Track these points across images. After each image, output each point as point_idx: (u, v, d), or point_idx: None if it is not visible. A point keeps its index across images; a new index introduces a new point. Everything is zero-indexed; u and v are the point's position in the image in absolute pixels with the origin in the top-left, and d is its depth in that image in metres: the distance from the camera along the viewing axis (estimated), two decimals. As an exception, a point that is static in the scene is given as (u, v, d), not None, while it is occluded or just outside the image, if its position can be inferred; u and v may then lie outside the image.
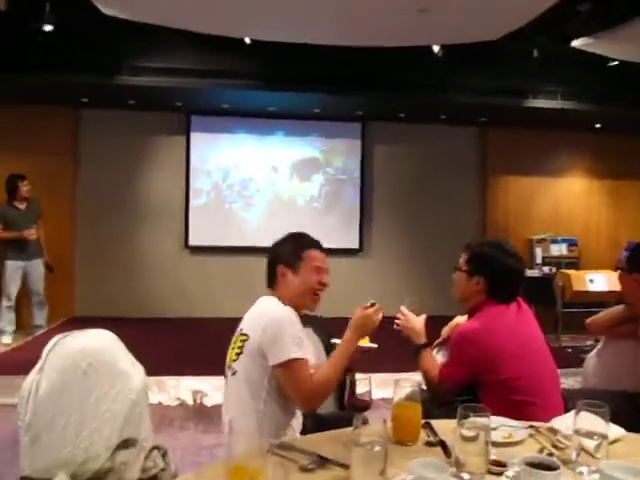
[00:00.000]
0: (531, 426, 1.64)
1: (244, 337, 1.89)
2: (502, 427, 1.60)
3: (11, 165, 5.95)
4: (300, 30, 4.64)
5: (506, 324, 2.06)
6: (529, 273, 6.63)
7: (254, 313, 1.96)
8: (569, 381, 3.96)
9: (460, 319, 2.50)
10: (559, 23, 4.52)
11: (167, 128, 6.78)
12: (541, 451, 1.49)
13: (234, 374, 1.90)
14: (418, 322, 2.27)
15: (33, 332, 5.77)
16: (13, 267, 5.64)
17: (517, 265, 2.14)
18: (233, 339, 1.99)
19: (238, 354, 1.89)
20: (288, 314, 1.90)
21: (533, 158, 7.15)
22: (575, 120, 6.49)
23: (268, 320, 1.85)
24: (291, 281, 2.02)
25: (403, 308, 2.33)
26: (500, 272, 2.12)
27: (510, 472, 1.33)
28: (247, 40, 4.98)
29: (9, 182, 5.68)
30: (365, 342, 2.08)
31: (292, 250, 2.07)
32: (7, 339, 5.65)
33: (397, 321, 2.33)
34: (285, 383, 1.82)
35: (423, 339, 2.25)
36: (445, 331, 2.49)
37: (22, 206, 5.72)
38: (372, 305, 2.01)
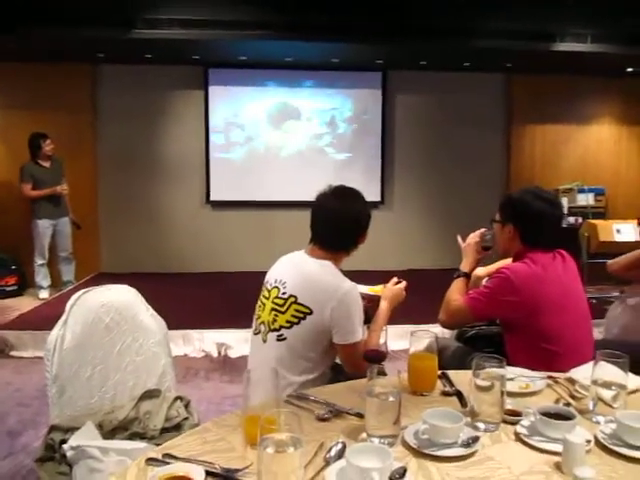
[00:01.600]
0: (549, 376, 1.64)
1: (303, 309, 1.85)
2: (519, 377, 1.60)
3: (32, 124, 5.97)
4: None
5: (552, 272, 2.00)
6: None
7: (309, 280, 1.88)
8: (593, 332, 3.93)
9: (480, 270, 2.48)
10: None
11: (185, 82, 6.69)
12: (558, 401, 1.49)
13: (281, 339, 1.88)
14: (475, 252, 2.27)
15: (62, 288, 5.93)
16: (44, 226, 5.75)
17: (549, 209, 2.04)
18: (271, 295, 1.94)
19: (291, 322, 1.86)
20: (356, 292, 1.88)
21: (560, 105, 6.90)
22: (605, 64, 6.20)
23: (339, 301, 1.82)
24: (357, 248, 2.01)
25: (477, 234, 2.32)
26: (529, 216, 2.04)
27: (525, 421, 1.34)
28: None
29: (32, 141, 5.72)
30: (376, 290, 2.11)
31: (369, 212, 2.00)
32: (44, 294, 5.83)
33: (471, 236, 2.33)
34: (344, 357, 1.91)
35: (467, 268, 2.25)
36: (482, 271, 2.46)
37: (47, 164, 5.77)
38: (399, 281, 2.10)
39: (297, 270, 1.94)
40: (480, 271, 2.45)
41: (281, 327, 1.89)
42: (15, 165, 5.82)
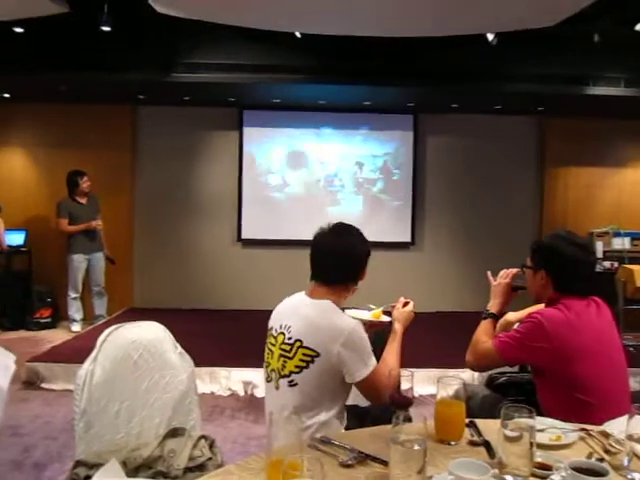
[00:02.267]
0: (582, 429, 1.58)
1: (309, 352, 1.85)
2: (550, 429, 1.55)
3: (73, 161, 6.22)
4: (349, 23, 4.60)
5: (586, 320, 1.95)
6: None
7: (311, 323, 1.88)
8: (629, 382, 3.79)
9: (511, 315, 2.43)
10: (621, 5, 4.29)
11: (221, 123, 6.89)
12: (590, 455, 1.44)
13: (293, 385, 1.88)
14: (505, 293, 2.22)
15: (94, 321, 6.04)
16: (78, 260, 5.91)
17: (582, 255, 2.01)
18: (278, 341, 1.95)
19: (300, 367, 1.87)
20: (359, 328, 1.88)
21: (594, 148, 6.85)
22: (639, 107, 6.16)
23: (345, 341, 1.82)
24: (356, 285, 2.03)
25: (509, 273, 2.26)
26: (561, 263, 2.01)
27: (556, 476, 1.29)
28: (297, 34, 4.98)
29: (70, 178, 5.94)
30: (379, 316, 2.10)
31: (368, 249, 2.02)
32: (76, 327, 5.96)
33: (501, 274, 2.28)
34: (364, 391, 1.89)
35: (495, 308, 2.20)
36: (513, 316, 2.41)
37: (83, 201, 5.97)
38: (407, 302, 2.13)
39: (299, 313, 1.94)
40: (511, 316, 2.40)
41: (291, 372, 1.89)
42: (56, 201, 6.03)
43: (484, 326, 2.15)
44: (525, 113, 6.81)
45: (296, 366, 1.88)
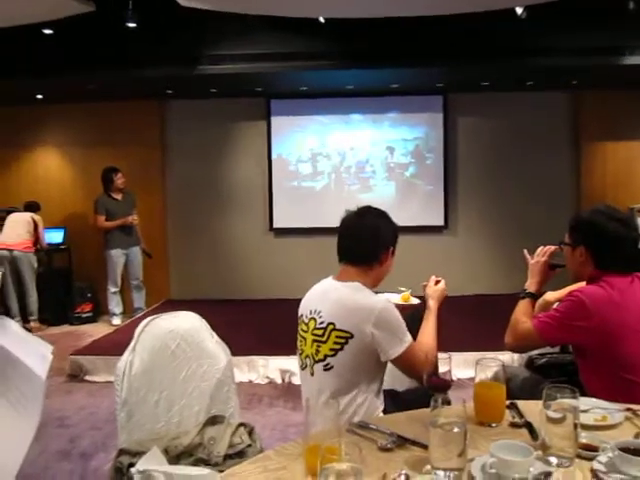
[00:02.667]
0: (628, 409, 1.53)
1: (343, 334, 1.85)
2: (595, 409, 1.51)
3: (106, 159, 6.33)
4: (374, 4, 4.54)
5: (630, 297, 1.87)
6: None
7: (342, 305, 1.89)
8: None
9: (550, 295, 2.38)
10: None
11: (248, 113, 6.90)
12: (638, 436, 1.39)
13: (328, 369, 1.89)
14: (543, 272, 2.16)
15: (133, 314, 6.17)
16: (116, 255, 6.04)
17: (623, 230, 1.93)
18: (310, 327, 1.95)
19: (335, 350, 1.87)
20: (390, 305, 1.89)
21: (632, 121, 6.60)
22: (680, 76, 5.91)
23: (377, 320, 1.82)
24: (389, 264, 2.02)
25: (546, 251, 2.20)
26: (602, 239, 1.94)
27: (602, 457, 1.25)
28: (321, 19, 4.94)
29: (105, 175, 6.06)
30: (408, 299, 2.09)
31: (394, 230, 2.02)
32: (117, 320, 6.10)
33: (538, 252, 2.23)
34: (405, 368, 1.88)
35: (534, 287, 2.14)
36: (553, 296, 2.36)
37: (118, 197, 6.08)
38: (438, 280, 2.13)
39: (328, 297, 1.94)
40: (550, 295, 2.34)
41: (326, 356, 1.89)
42: (92, 198, 6.15)
43: (522, 306, 2.09)
44: (558, 88, 6.61)
45: (330, 349, 1.88)
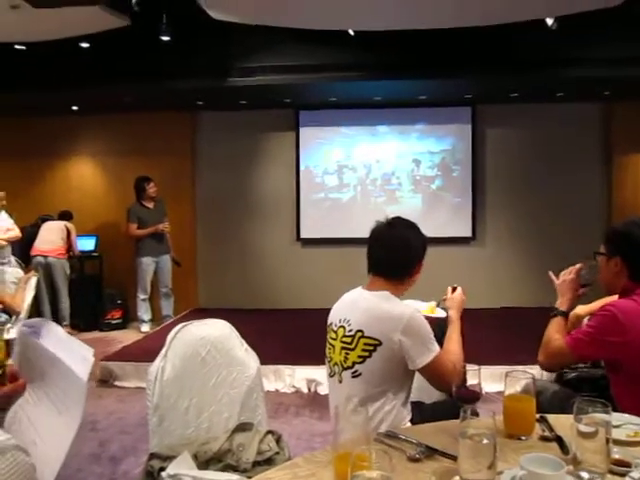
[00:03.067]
0: (662, 425, 1.51)
1: (371, 341, 1.87)
2: (627, 425, 1.49)
3: (138, 168, 6.47)
4: (403, 16, 4.57)
5: None
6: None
7: (371, 313, 1.91)
8: None
9: (581, 309, 2.35)
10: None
11: (277, 124, 6.98)
12: (672, 452, 1.37)
13: (356, 376, 1.90)
14: (572, 289, 2.13)
15: (162, 322, 6.25)
16: (146, 263, 6.15)
17: None
18: (339, 335, 1.97)
19: (363, 357, 1.88)
20: (418, 314, 1.90)
21: (666, 132, 6.50)
22: None
23: (405, 327, 1.84)
24: (418, 275, 2.03)
25: (573, 270, 2.17)
26: (636, 248, 1.92)
27: (635, 473, 1.24)
28: (351, 32, 4.99)
29: (137, 184, 6.18)
30: (434, 310, 2.08)
31: (423, 241, 2.03)
32: (145, 327, 6.20)
33: (564, 272, 2.19)
34: (430, 377, 1.88)
35: (565, 306, 2.11)
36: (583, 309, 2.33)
37: (150, 205, 6.20)
38: (455, 288, 2.15)
39: (358, 306, 1.96)
40: (581, 309, 2.31)
41: (354, 363, 1.90)
42: (124, 206, 6.29)
43: (554, 324, 2.07)
44: (589, 99, 6.53)
45: (359, 356, 1.89)
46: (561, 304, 2.13)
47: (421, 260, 2.02)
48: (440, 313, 2.17)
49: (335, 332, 2.00)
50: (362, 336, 1.89)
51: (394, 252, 1.98)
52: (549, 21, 4.72)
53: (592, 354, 1.97)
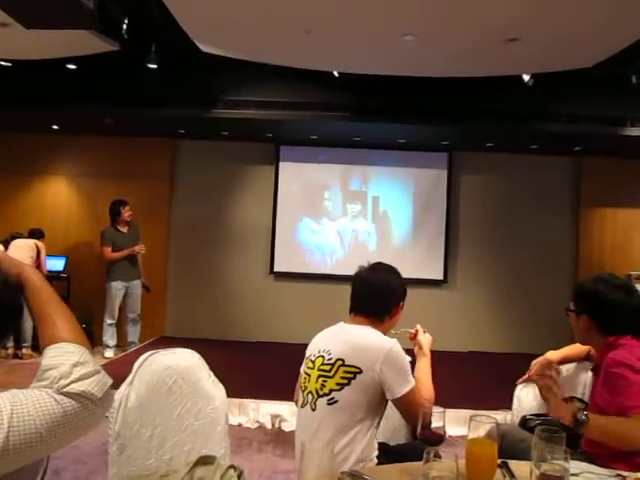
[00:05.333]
0: (618, 474, 1.54)
1: (352, 369, 1.91)
2: (585, 473, 1.52)
3: (114, 191, 6.43)
4: (387, 63, 4.73)
5: None
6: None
7: (354, 343, 1.96)
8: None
9: (552, 354, 2.39)
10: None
11: (257, 157, 7.05)
12: (627, 503, 1.39)
13: (332, 403, 1.92)
14: (557, 392, 1.93)
15: (127, 348, 6.13)
16: (117, 287, 6.06)
17: (625, 298, 1.96)
18: (316, 364, 2.00)
19: (341, 384, 1.92)
20: (398, 346, 1.96)
21: (632, 189, 6.76)
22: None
23: (386, 357, 1.90)
24: (398, 317, 2.14)
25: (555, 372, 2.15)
26: (603, 307, 1.98)
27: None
28: (335, 73, 5.12)
29: (112, 207, 6.14)
30: None
31: (403, 285, 2.16)
32: (109, 353, 6.05)
33: (548, 375, 2.05)
34: (407, 408, 1.92)
35: (567, 412, 1.81)
36: (535, 366, 2.37)
37: (124, 230, 6.15)
38: (424, 330, 2.24)
39: (340, 337, 2.03)
40: (552, 355, 2.35)
41: (331, 390, 1.93)
42: (97, 229, 6.22)
43: (602, 423, 1.78)
44: (561, 153, 6.78)
45: (337, 384, 1.92)
46: (563, 413, 1.82)
47: (401, 302, 2.14)
48: None
49: (313, 362, 2.03)
50: (342, 364, 1.93)
51: (377, 294, 2.10)
52: (525, 77, 4.94)
53: None
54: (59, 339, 1.04)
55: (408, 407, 1.91)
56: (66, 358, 1.00)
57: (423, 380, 2.02)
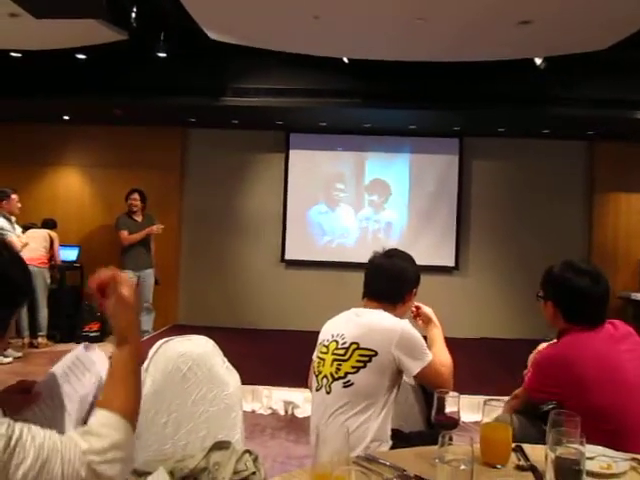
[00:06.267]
0: (634, 458, 1.54)
1: (367, 352, 1.93)
2: (600, 457, 1.52)
3: (126, 181, 6.47)
4: (397, 48, 4.68)
5: (590, 350, 1.89)
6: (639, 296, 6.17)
7: (368, 326, 1.99)
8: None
9: (543, 346, 2.38)
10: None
11: (267, 145, 7.04)
12: (643, 485, 1.39)
13: (348, 385, 1.94)
14: None
15: (141, 336, 6.18)
16: (128, 276, 6.08)
17: (590, 285, 1.95)
18: (330, 349, 2.01)
19: (357, 367, 1.93)
20: (410, 326, 2.00)
21: (646, 173, 6.68)
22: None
23: (400, 337, 1.94)
24: (411, 303, 2.18)
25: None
26: (567, 294, 1.97)
27: (607, 504, 1.26)
28: (345, 59, 5.09)
29: (126, 196, 6.20)
30: None
31: (417, 272, 2.18)
32: None
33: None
34: (429, 380, 1.98)
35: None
36: (531, 360, 2.38)
37: (139, 218, 6.20)
38: (417, 307, 2.26)
39: (353, 322, 2.04)
40: (543, 346, 2.33)
41: (347, 373, 1.94)
42: (109, 218, 6.27)
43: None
44: (574, 137, 6.71)
45: (352, 367, 1.94)
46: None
47: (414, 289, 2.16)
48: None
49: (327, 347, 2.03)
50: (357, 348, 1.95)
51: (391, 280, 2.11)
52: (538, 61, 4.88)
53: (541, 399, 1.99)
54: (114, 407, 1.09)
55: (431, 379, 1.96)
56: (110, 433, 1.06)
57: (439, 349, 2.07)
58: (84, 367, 1.33)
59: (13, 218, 5.57)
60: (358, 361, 1.93)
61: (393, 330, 1.94)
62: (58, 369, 1.31)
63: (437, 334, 2.16)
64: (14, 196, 5.54)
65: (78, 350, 1.35)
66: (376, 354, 1.92)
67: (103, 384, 1.20)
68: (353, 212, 7.05)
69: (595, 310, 1.97)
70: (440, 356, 2.04)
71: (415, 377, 1.97)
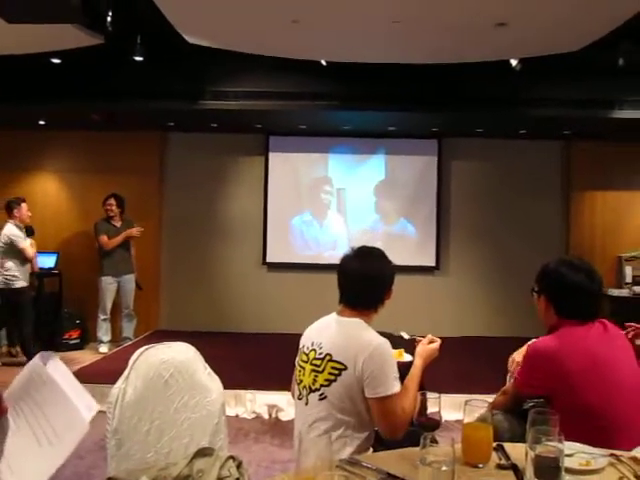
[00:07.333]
0: (612, 454, 1.57)
1: (338, 365, 1.89)
2: (579, 454, 1.54)
3: (104, 186, 6.40)
4: (374, 50, 4.70)
5: (581, 345, 1.93)
6: (617, 293, 6.28)
7: (341, 338, 1.94)
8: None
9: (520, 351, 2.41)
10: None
11: (247, 148, 7.02)
12: (621, 481, 1.42)
13: (323, 398, 1.92)
14: None
15: (122, 343, 6.12)
16: (108, 282, 6.05)
17: (585, 282, 1.99)
18: (310, 357, 1.99)
19: (329, 380, 1.91)
20: (388, 346, 1.91)
21: (621, 172, 6.79)
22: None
23: (371, 354, 1.85)
24: (387, 302, 2.06)
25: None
26: (561, 288, 2.01)
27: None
28: (323, 62, 5.10)
29: (103, 201, 6.14)
30: (401, 356, 2.11)
31: (392, 269, 2.06)
32: (104, 348, 6.06)
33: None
34: (378, 415, 1.86)
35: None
36: (510, 364, 2.40)
37: (118, 224, 6.14)
38: (433, 340, 2.09)
39: (330, 330, 2.00)
40: (518, 356, 2.36)
41: (321, 386, 1.93)
42: (87, 224, 6.19)
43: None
44: (550, 137, 6.80)
45: (325, 379, 1.92)
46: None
47: (390, 287, 2.06)
48: (407, 358, 2.20)
49: (307, 355, 2.02)
50: (330, 359, 1.92)
51: (364, 286, 2.01)
52: (513, 62, 4.94)
53: (531, 393, 2.03)
54: None
55: (381, 412, 1.84)
56: None
57: (409, 390, 1.91)
58: (40, 379, 1.31)
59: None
60: (330, 374, 1.90)
61: (367, 344, 1.87)
62: (18, 382, 1.29)
63: (414, 374, 1.98)
64: (24, 205, 5.54)
65: (34, 361, 1.34)
66: (345, 368, 1.88)
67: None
68: (333, 213, 7.05)
69: (587, 305, 2.01)
70: (406, 398, 1.86)
71: (370, 401, 1.85)
